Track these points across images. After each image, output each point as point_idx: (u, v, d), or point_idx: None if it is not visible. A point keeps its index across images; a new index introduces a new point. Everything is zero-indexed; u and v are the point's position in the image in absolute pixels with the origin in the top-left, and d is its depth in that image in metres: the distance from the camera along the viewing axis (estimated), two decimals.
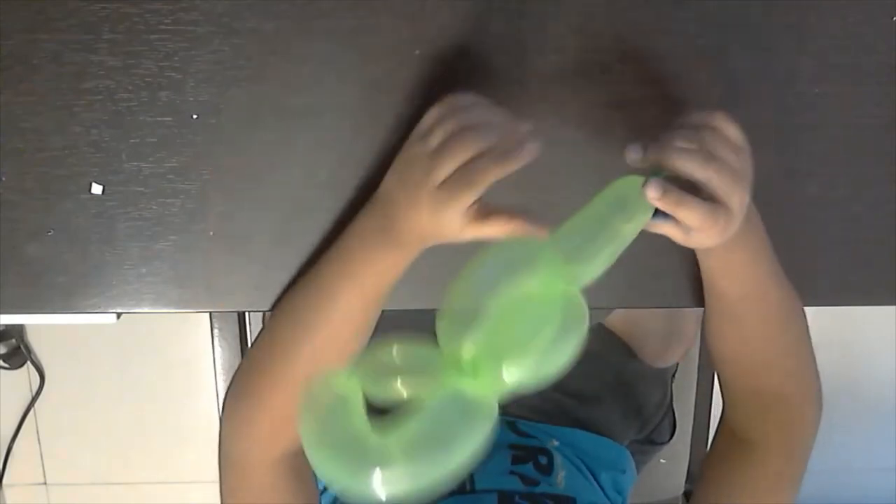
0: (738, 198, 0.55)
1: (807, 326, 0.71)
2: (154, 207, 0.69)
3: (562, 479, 0.82)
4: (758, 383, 0.71)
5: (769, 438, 0.71)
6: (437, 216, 0.57)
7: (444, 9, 0.66)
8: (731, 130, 0.56)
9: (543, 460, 0.83)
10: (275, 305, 0.71)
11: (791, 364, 0.70)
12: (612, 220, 0.54)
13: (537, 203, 0.69)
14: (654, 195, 0.53)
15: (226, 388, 0.73)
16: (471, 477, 0.79)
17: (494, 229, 0.57)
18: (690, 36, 0.66)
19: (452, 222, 0.57)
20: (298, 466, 0.71)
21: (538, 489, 0.79)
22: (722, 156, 0.55)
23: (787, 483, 0.71)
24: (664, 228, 0.57)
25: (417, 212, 0.59)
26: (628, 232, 0.54)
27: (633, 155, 0.56)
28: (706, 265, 0.66)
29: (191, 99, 0.67)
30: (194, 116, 0.67)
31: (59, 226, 0.69)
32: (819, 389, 0.72)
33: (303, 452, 0.71)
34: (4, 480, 1.78)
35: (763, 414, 0.71)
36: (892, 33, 0.67)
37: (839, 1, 0.66)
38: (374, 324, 0.68)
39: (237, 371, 0.71)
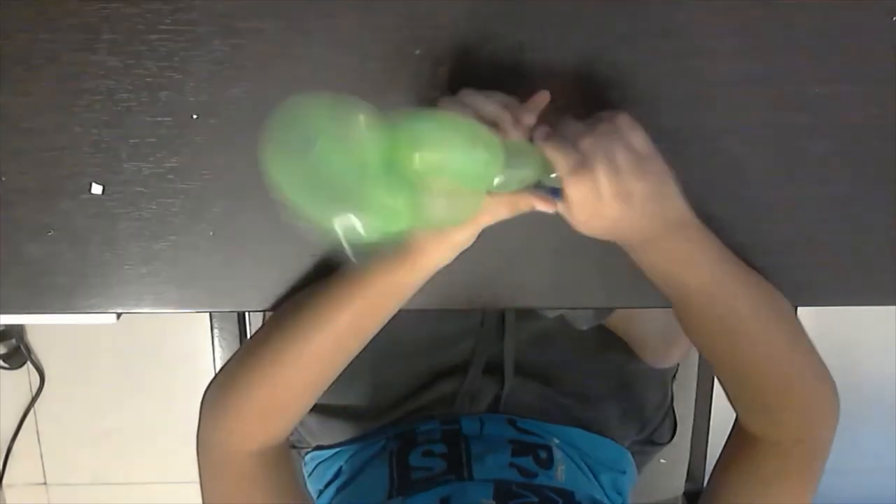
0: (604, 178, 0.58)
1: (792, 323, 0.70)
2: (154, 207, 0.69)
3: (561, 472, 0.82)
4: (740, 377, 0.70)
5: (766, 435, 0.70)
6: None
7: (444, 9, 0.66)
8: (633, 137, 0.59)
9: (543, 454, 0.83)
10: (278, 304, 0.71)
11: (775, 358, 0.68)
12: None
13: None
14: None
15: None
16: (470, 468, 0.79)
17: None
18: (692, 37, 0.66)
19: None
20: (277, 460, 0.72)
21: (536, 481, 0.78)
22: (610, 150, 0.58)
23: (787, 482, 0.70)
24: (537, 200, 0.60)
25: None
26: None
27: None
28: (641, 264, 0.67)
29: (191, 99, 0.67)
30: (194, 116, 0.67)
31: (59, 226, 0.69)
32: (825, 390, 0.70)
33: (283, 446, 0.72)
34: (4, 480, 1.78)
35: (760, 412, 0.71)
36: (892, 33, 0.67)
37: (839, 1, 0.66)
38: (375, 333, 0.69)
39: (228, 361, 0.71)
